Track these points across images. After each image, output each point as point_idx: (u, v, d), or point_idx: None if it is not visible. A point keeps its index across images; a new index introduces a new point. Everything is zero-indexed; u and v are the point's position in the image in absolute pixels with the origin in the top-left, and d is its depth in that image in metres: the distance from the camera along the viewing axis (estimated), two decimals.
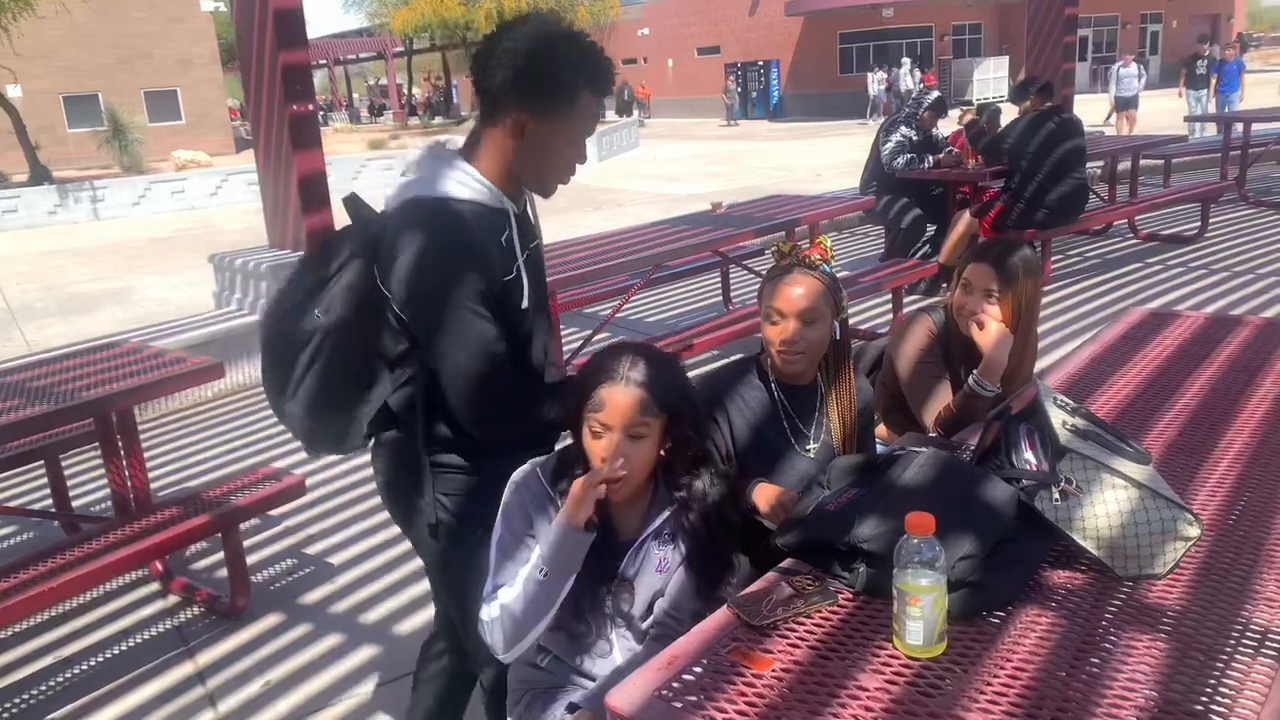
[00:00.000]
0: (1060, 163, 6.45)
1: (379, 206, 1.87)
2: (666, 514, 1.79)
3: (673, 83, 38.40)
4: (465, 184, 1.77)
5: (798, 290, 2.06)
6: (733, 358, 2.29)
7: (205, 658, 3.11)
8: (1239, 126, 10.32)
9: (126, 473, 3.44)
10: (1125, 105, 16.78)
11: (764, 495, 2.04)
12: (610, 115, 31.22)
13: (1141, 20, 35.65)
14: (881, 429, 2.61)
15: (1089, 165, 7.15)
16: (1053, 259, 7.20)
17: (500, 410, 1.83)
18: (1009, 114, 6.99)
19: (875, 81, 27.94)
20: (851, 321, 3.70)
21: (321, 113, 40.97)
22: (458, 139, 1.88)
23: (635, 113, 34.17)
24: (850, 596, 1.61)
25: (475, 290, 1.73)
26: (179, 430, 5.30)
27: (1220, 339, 2.79)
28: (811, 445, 2.20)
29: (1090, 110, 21.10)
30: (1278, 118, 10.75)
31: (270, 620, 3.31)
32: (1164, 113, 17.95)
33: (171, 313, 7.46)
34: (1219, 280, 6.75)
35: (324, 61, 46.23)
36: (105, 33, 23.48)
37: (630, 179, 16.67)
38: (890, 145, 7.09)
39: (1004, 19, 33.91)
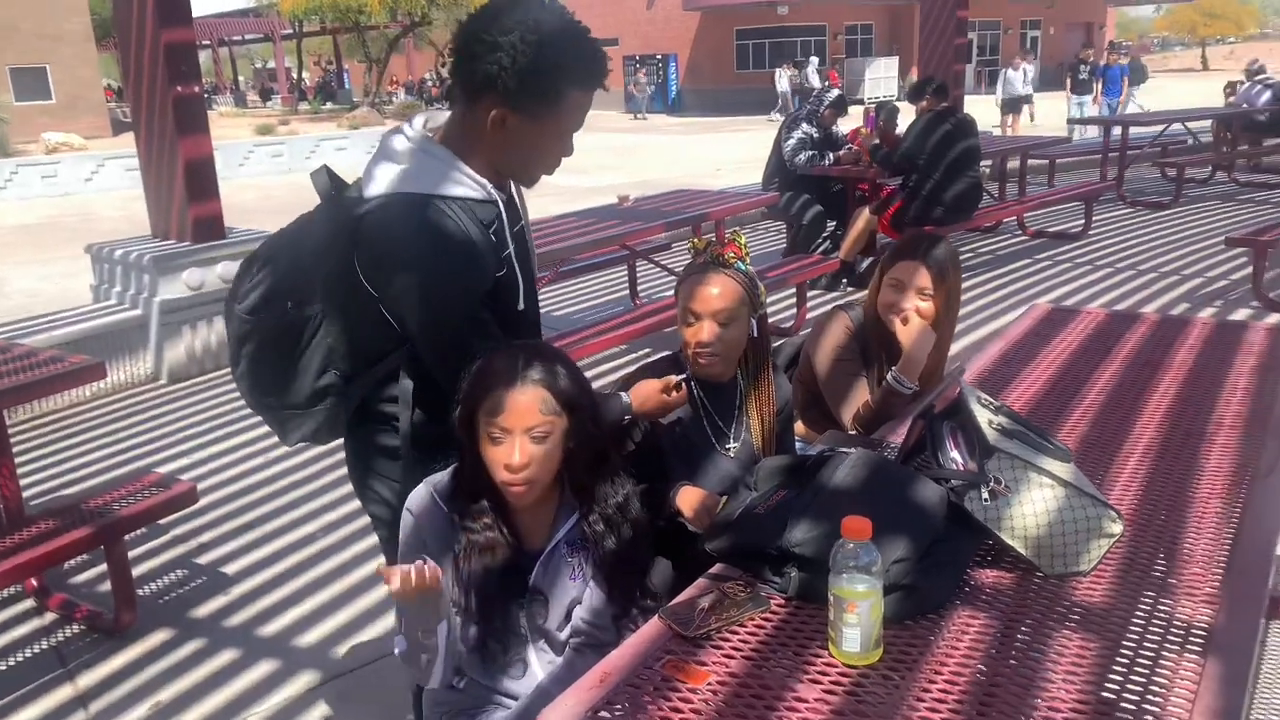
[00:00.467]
0: (956, 162, 6.61)
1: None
2: (574, 518, 1.72)
3: None
4: (457, 180, 1.68)
5: (713, 290, 2.02)
6: (653, 357, 2.24)
7: (87, 679, 2.90)
8: (1117, 129, 10.79)
9: None
10: (1011, 108, 17.36)
11: (687, 499, 2.00)
12: None
13: (1022, 26, 37.10)
14: (800, 426, 2.60)
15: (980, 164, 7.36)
16: None
17: None
18: (906, 113, 7.12)
19: (783, 78, 28.10)
20: None
21: (206, 95, 39.45)
22: (440, 115, 1.78)
23: None
24: (782, 602, 1.58)
25: (471, 290, 1.68)
26: (57, 434, 4.97)
27: (1121, 334, 2.87)
28: (732, 444, 2.17)
29: (974, 111, 21.87)
30: (1152, 122, 11.30)
31: (159, 636, 3.11)
32: (1051, 114, 18.66)
33: (43, 306, 7.00)
34: (1105, 275, 7.03)
35: (207, 42, 44.39)
36: None
37: None
38: (792, 142, 7.16)
39: (894, 20, 34.84)
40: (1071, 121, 12.18)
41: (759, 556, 1.64)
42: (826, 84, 25.22)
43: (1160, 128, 11.55)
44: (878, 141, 7.21)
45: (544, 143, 1.70)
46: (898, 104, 7.83)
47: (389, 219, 1.65)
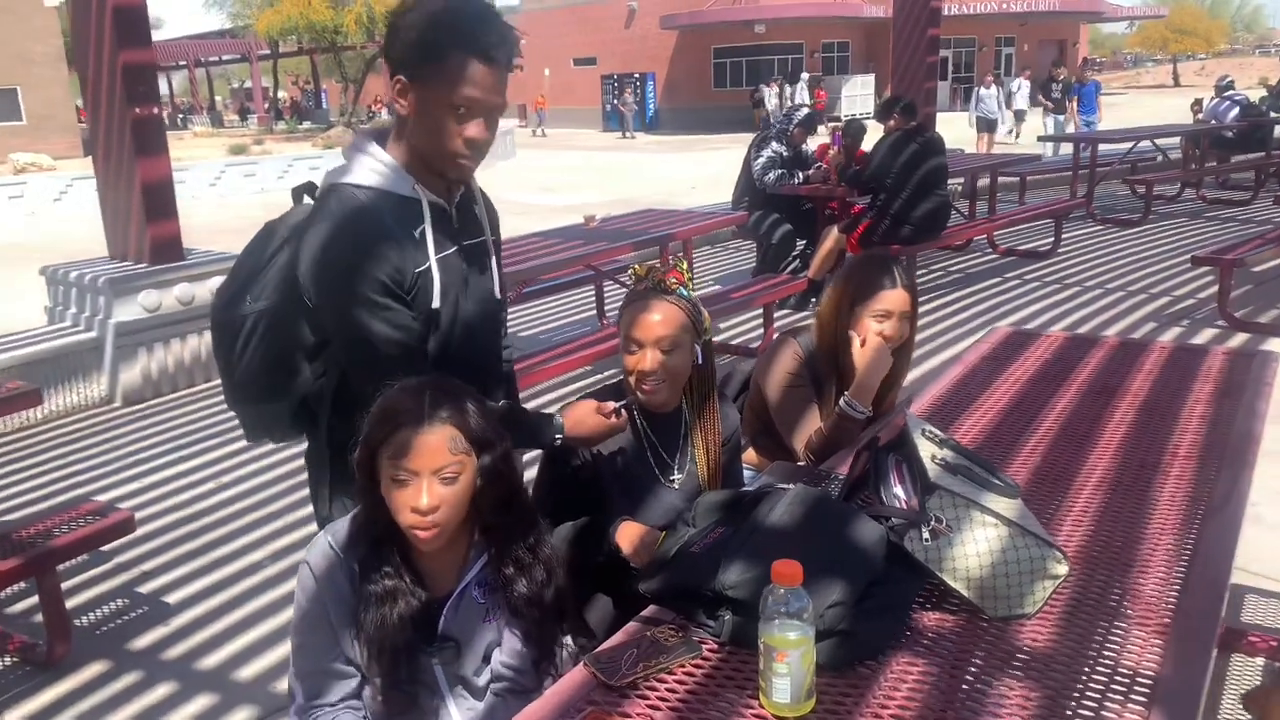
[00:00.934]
0: (923, 181, 6.60)
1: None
2: (483, 559, 1.63)
3: (548, 93, 38.17)
4: (374, 169, 1.73)
5: (655, 317, 1.96)
6: (595, 387, 2.17)
7: (17, 714, 2.79)
8: (1087, 146, 10.85)
9: None
10: (986, 127, 17.36)
11: (627, 535, 1.93)
12: None
13: (996, 43, 37.47)
14: (750, 454, 2.54)
15: (950, 182, 7.35)
16: (917, 274, 7.37)
17: None
18: (874, 131, 7.11)
19: (770, 95, 27.97)
20: (722, 338, 3.48)
21: (182, 115, 39.18)
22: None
23: (536, 125, 33.70)
24: (715, 647, 1.51)
25: (375, 279, 1.67)
26: (3, 458, 4.84)
27: (1079, 359, 2.83)
28: (677, 476, 2.10)
29: (951, 128, 22.02)
30: (1122, 139, 11.37)
31: (95, 669, 3.00)
32: (1028, 131, 18.76)
33: (2, 327, 6.88)
34: (1072, 294, 7.03)
35: (184, 63, 44.19)
36: None
37: (505, 188, 16.42)
38: (761, 161, 7.13)
39: (870, 38, 35.09)
40: (1042, 139, 12.23)
41: (693, 598, 1.57)
42: (809, 102, 25.29)
43: (1129, 145, 11.62)
44: (844, 160, 7.21)
45: (439, 113, 1.66)
46: (866, 122, 7.82)
47: (314, 211, 1.75)
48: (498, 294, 1.93)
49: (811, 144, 7.59)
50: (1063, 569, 1.55)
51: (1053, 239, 8.37)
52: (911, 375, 5.13)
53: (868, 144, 7.32)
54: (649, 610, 1.62)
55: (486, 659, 1.63)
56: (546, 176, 18.31)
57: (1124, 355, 2.85)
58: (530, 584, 1.61)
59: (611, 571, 1.96)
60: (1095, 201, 10.42)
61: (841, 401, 2.29)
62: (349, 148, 1.81)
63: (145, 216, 5.62)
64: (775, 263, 7.26)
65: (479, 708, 1.63)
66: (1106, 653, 1.45)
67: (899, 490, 1.69)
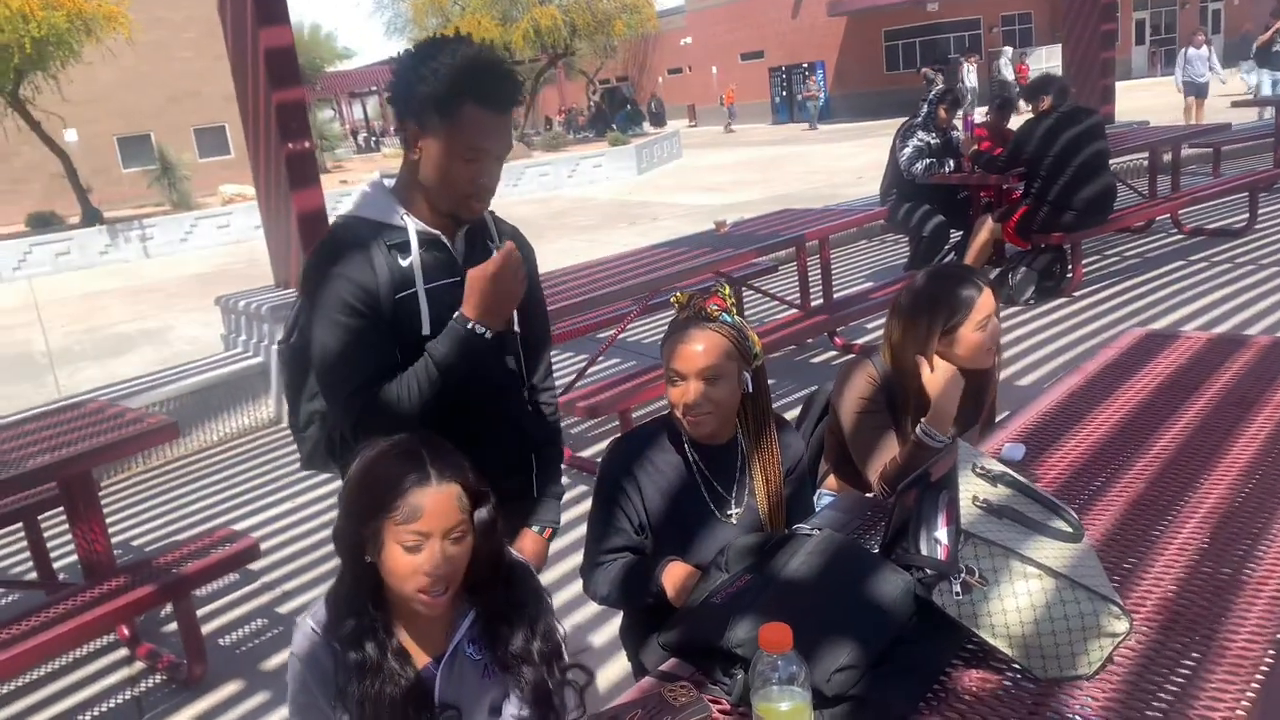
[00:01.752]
0: (1084, 164, 6.11)
1: None
2: (470, 615, 1.56)
3: (717, 90, 38.06)
4: (364, 198, 1.82)
5: (697, 348, 1.86)
6: (645, 421, 2.10)
7: None
8: None
9: (88, 538, 3.36)
10: (1195, 91, 15.76)
11: (672, 577, 1.84)
12: (647, 127, 31.05)
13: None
14: (833, 481, 2.39)
15: (1127, 159, 6.73)
16: (1085, 260, 6.83)
17: (366, 415, 1.74)
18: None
19: (970, 72, 26.22)
20: (867, 339, 3.23)
21: (375, 138, 41.48)
22: None
23: (727, 120, 33.64)
24: (728, 708, 1.41)
25: (339, 299, 1.71)
26: (189, 477, 5.24)
27: (1218, 364, 2.52)
28: (734, 510, 2.00)
29: (1148, 95, 20.35)
30: None
31: (230, 688, 3.18)
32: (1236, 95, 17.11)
33: (202, 351, 7.45)
34: (1267, 278, 6.32)
35: (375, 88, 46.88)
36: (156, 74, 23.96)
37: (667, 191, 16.50)
38: (908, 151, 6.81)
39: (1054, 6, 32.98)
40: (1236, 104, 11.05)
41: (711, 653, 1.48)
42: (1011, 77, 23.87)
43: None
44: (976, 147, 6.78)
45: (449, 162, 1.70)
46: (1015, 98, 7.33)
47: None
48: (515, 328, 1.90)
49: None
50: (1122, 625, 1.37)
51: (1247, 215, 7.58)
52: (1049, 383, 4.76)
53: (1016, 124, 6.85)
54: (668, 664, 1.54)
55: (495, 711, 1.59)
56: (711, 176, 18.24)
57: (1272, 359, 2.51)
58: (524, 638, 1.56)
59: (664, 613, 1.88)
60: None
61: (918, 429, 2.12)
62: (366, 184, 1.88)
63: (302, 245, 5.96)
64: (929, 257, 6.90)
65: None
66: None
67: (944, 534, 1.53)
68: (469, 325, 1.72)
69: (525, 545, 1.97)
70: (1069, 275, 6.50)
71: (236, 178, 22.68)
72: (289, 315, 1.94)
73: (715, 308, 1.89)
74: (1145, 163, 9.38)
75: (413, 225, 1.77)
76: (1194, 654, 1.40)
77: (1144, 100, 18.97)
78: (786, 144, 24.49)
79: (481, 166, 1.72)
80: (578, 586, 2.10)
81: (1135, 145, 7.98)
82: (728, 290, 1.91)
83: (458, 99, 1.66)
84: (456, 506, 1.47)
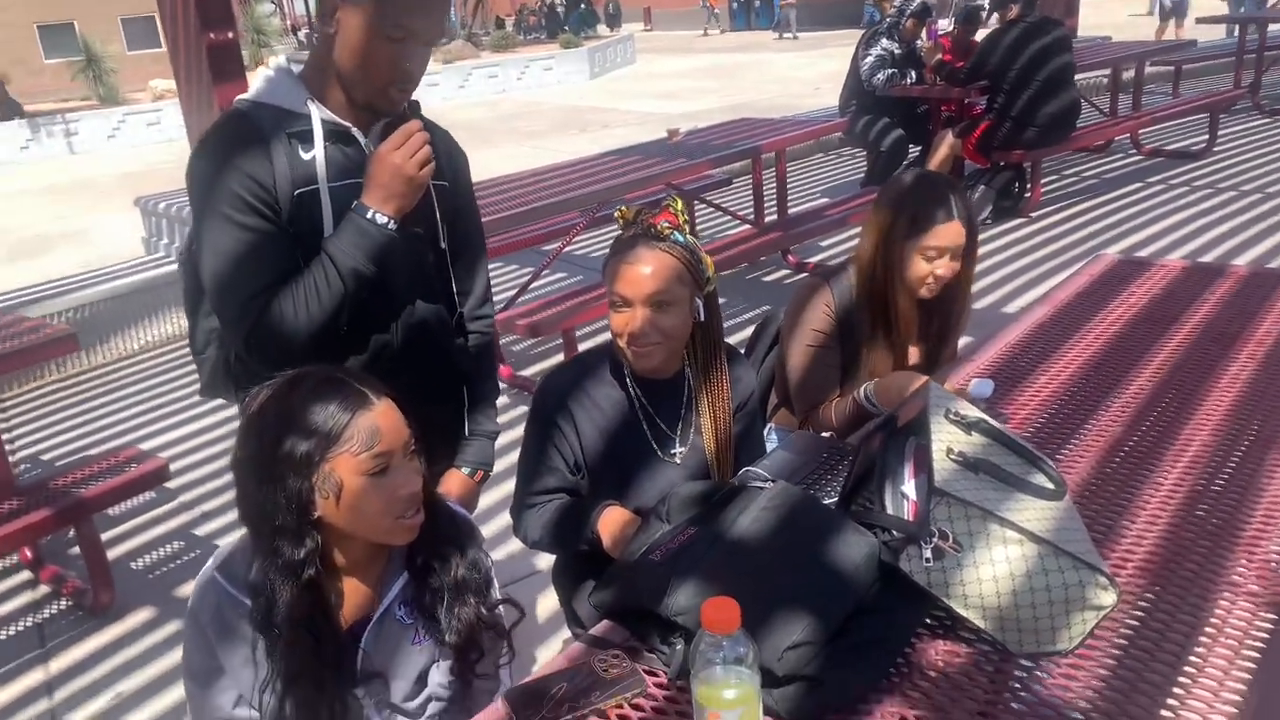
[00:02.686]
0: (1049, 79, 5.90)
1: None
2: (403, 577, 1.40)
3: None
4: (270, 84, 1.58)
5: (645, 270, 1.65)
6: (581, 351, 1.90)
7: (60, 663, 2.80)
8: (1254, 29, 9.60)
9: None
10: (1171, 13, 15.38)
11: (610, 525, 1.67)
12: (601, 30, 30.02)
13: None
14: (784, 415, 2.22)
15: (1088, 74, 6.53)
16: (1044, 180, 6.68)
17: (260, 330, 1.54)
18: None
19: None
20: (820, 257, 3.08)
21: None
22: None
23: (707, 23, 32.18)
24: (666, 681, 1.25)
25: (230, 191, 1.50)
26: (93, 391, 4.94)
27: (1197, 295, 2.37)
28: (678, 450, 1.82)
29: (1115, 10, 20.03)
30: None
31: (141, 615, 2.99)
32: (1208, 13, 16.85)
33: (126, 254, 7.04)
34: (1225, 201, 6.23)
35: None
36: None
37: (621, 98, 15.96)
38: (870, 59, 6.54)
39: None
40: (1200, 21, 10.85)
41: (648, 617, 1.31)
42: None
43: None
44: (940, 56, 6.54)
45: (370, 39, 1.48)
46: (981, 7, 7.07)
47: None
48: (443, 243, 1.68)
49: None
50: (1109, 598, 1.22)
51: (1207, 137, 7.46)
52: (1007, 306, 4.66)
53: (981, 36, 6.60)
54: (600, 628, 1.37)
55: (421, 681, 1.42)
56: (668, 83, 17.69)
57: (1255, 290, 2.37)
58: (450, 570, 1.38)
59: (600, 557, 1.71)
60: (1262, 91, 9.25)
61: (860, 391, 1.94)
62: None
63: None
64: (886, 172, 6.68)
65: None
66: (1164, 701, 1.13)
67: (912, 486, 1.37)
68: (367, 213, 1.50)
69: (452, 486, 1.78)
70: (1027, 195, 6.35)
71: (168, 73, 21.60)
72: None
73: (666, 225, 1.68)
74: (1106, 80, 9.25)
75: (318, 114, 1.54)
76: (1183, 618, 1.27)
77: (1113, 14, 18.70)
78: (742, 52, 23.87)
79: (406, 49, 1.49)
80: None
81: (1098, 61, 7.78)
82: (680, 205, 1.70)
83: None
84: (402, 420, 1.31)
